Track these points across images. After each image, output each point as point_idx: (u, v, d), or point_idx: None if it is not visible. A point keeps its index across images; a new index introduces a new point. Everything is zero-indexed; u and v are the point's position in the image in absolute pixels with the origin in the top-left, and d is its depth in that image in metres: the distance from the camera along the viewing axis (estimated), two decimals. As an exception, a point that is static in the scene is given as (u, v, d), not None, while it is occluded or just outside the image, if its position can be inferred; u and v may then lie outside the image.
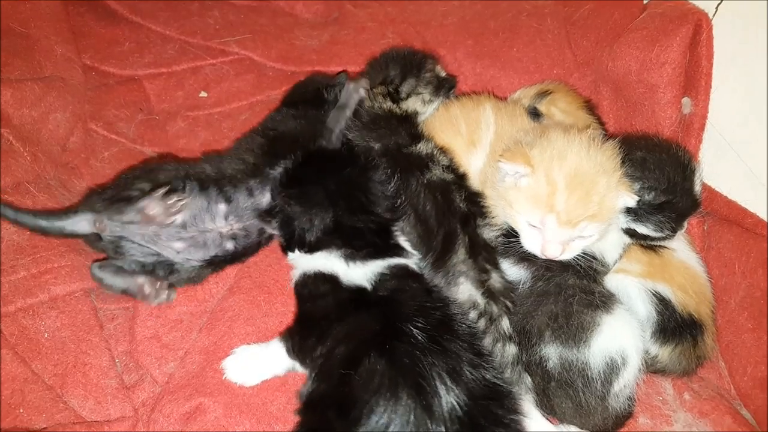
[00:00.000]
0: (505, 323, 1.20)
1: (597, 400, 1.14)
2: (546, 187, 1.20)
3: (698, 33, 1.46)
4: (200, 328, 1.31)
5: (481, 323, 1.19)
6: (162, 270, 1.30)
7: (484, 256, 1.25)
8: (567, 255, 1.23)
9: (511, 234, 1.30)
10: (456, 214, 1.27)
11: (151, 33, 1.93)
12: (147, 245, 1.26)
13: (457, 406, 0.96)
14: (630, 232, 1.34)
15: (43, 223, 1.24)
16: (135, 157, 1.62)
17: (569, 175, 1.19)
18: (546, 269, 1.26)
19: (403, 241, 1.25)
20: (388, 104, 1.46)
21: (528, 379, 1.19)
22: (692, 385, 1.35)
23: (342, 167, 1.26)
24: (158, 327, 1.30)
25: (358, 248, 1.17)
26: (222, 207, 1.32)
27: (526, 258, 1.28)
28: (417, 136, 1.40)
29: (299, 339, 1.16)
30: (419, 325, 1.03)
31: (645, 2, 1.74)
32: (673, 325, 1.28)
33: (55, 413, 1.15)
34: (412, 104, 1.49)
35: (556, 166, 1.20)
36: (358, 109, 1.45)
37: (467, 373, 1.00)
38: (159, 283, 1.29)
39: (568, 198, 1.18)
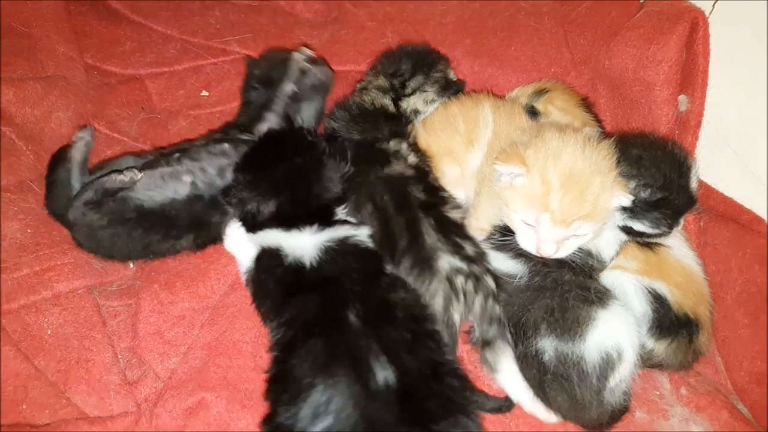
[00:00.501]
0: (489, 281, 1.23)
1: (592, 394, 1.15)
2: (541, 187, 1.21)
3: (695, 31, 1.47)
4: (202, 324, 1.32)
5: (470, 285, 1.21)
6: None
7: (455, 231, 1.27)
8: (561, 253, 1.24)
9: (507, 231, 1.31)
10: (413, 204, 1.29)
11: (153, 32, 1.94)
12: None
13: (392, 380, 1.02)
14: (626, 230, 1.35)
15: None
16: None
17: (564, 174, 1.19)
18: (543, 265, 1.26)
19: (350, 218, 1.29)
20: (383, 101, 1.47)
21: (508, 335, 1.22)
22: (689, 380, 1.36)
23: (295, 155, 1.29)
24: (161, 323, 1.32)
25: (298, 224, 1.22)
26: (176, 154, 1.39)
27: (523, 253, 1.29)
28: (396, 134, 1.42)
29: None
30: (356, 311, 1.09)
31: (642, 0, 1.74)
32: (668, 323, 1.29)
33: (58, 409, 1.16)
34: (413, 102, 1.50)
35: (550, 166, 1.20)
36: (348, 102, 1.49)
37: (403, 352, 1.06)
38: (130, 169, 1.31)
39: (562, 197, 1.19)
